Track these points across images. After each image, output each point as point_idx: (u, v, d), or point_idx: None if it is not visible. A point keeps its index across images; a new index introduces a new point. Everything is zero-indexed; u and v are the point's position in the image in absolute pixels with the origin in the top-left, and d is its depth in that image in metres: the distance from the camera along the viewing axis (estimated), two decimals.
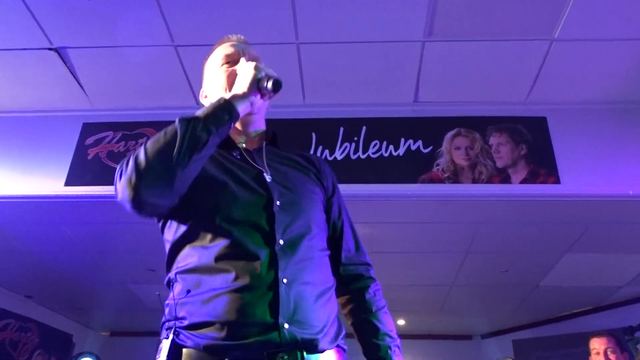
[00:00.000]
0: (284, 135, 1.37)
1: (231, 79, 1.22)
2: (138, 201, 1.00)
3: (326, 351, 1.06)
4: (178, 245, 1.13)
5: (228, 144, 1.24)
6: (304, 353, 1.00)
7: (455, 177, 3.07)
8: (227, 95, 1.12)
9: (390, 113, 3.25)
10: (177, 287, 1.09)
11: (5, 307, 5.43)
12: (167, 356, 1.01)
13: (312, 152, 3.05)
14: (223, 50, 1.32)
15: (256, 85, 1.13)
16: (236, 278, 1.03)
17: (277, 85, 1.12)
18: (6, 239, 4.08)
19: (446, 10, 2.66)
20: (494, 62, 2.98)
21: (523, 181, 3.03)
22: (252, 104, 1.14)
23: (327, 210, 1.29)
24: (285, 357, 0.98)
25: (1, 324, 5.36)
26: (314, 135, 3.15)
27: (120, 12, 2.70)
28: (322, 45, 2.89)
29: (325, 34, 2.81)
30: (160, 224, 1.19)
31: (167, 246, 1.16)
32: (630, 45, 2.81)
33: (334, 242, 1.29)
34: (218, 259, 1.06)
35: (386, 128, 3.21)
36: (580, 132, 3.16)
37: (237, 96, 1.12)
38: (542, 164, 3.07)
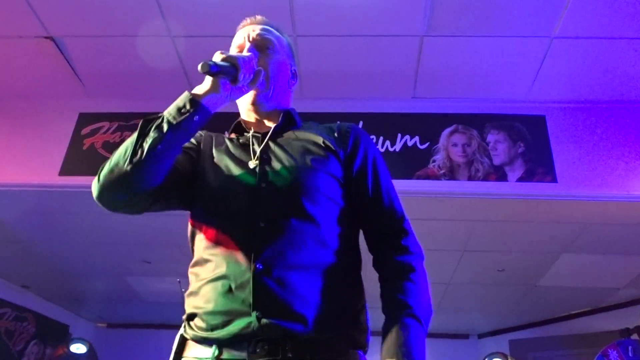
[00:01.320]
0: None
1: None
2: (101, 200, 1.06)
3: (321, 337, 0.96)
4: (190, 242, 1.16)
5: (239, 130, 1.24)
6: (288, 342, 0.94)
7: (451, 173, 3.04)
8: (194, 90, 1.08)
9: (387, 108, 3.23)
10: (189, 282, 1.13)
11: (2, 297, 5.43)
12: (176, 348, 1.05)
13: None
14: (236, 38, 1.28)
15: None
16: (216, 267, 1.03)
17: (201, 67, 1.02)
18: (2, 228, 4.08)
19: (445, 5, 2.64)
20: (494, 58, 2.95)
21: (520, 179, 3.01)
22: (218, 93, 1.07)
23: (347, 179, 1.16)
24: (266, 347, 0.93)
25: None
26: None
27: (117, 2, 2.68)
28: (319, 38, 2.86)
29: (322, 27, 2.79)
30: None
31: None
32: (631, 44, 2.78)
33: (365, 211, 1.16)
34: (206, 249, 1.07)
35: (383, 123, 3.19)
36: (578, 132, 3.13)
37: (200, 88, 1.08)
38: (539, 162, 3.04)
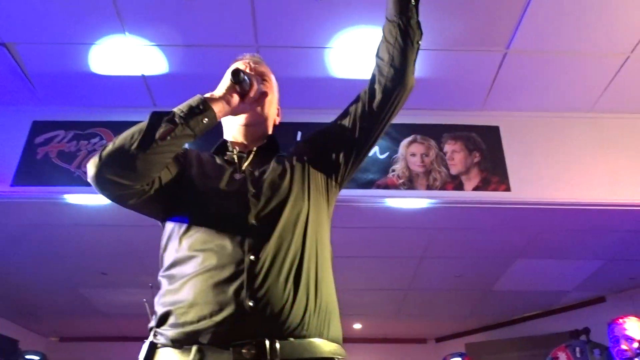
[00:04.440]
0: None
1: None
2: (99, 177, 1.05)
3: (309, 339, 1.00)
4: (165, 248, 1.15)
5: (223, 150, 1.31)
6: (276, 342, 0.95)
7: (410, 183, 3.11)
8: (206, 95, 1.15)
9: None
10: (161, 287, 1.11)
11: None
12: (144, 357, 1.01)
13: None
14: (234, 66, 1.35)
15: (232, 84, 1.16)
16: (205, 260, 1.03)
17: (234, 74, 1.15)
18: None
19: None
20: (451, 71, 3.04)
21: (475, 188, 3.10)
22: (228, 103, 1.16)
23: (326, 151, 1.32)
24: (253, 350, 0.93)
25: None
26: None
27: (73, 8, 2.63)
28: (282, 49, 2.88)
29: (284, 38, 2.82)
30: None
31: (160, 253, 1.17)
32: (580, 58, 2.93)
33: (363, 113, 1.32)
34: (191, 248, 1.07)
35: None
36: (530, 141, 3.26)
37: (213, 94, 1.15)
38: (494, 171, 3.15)
